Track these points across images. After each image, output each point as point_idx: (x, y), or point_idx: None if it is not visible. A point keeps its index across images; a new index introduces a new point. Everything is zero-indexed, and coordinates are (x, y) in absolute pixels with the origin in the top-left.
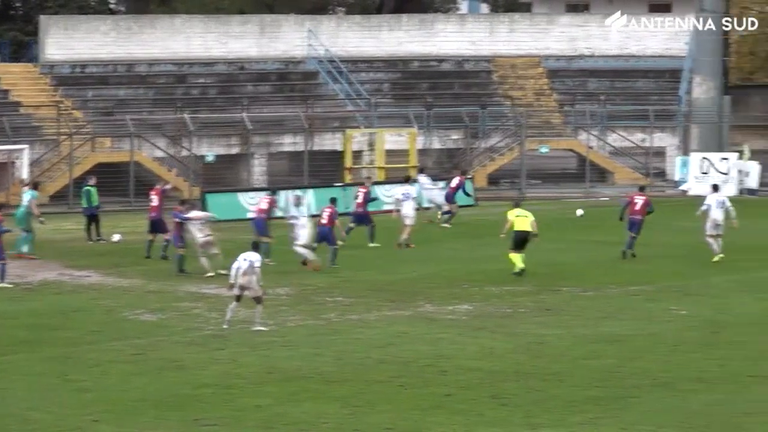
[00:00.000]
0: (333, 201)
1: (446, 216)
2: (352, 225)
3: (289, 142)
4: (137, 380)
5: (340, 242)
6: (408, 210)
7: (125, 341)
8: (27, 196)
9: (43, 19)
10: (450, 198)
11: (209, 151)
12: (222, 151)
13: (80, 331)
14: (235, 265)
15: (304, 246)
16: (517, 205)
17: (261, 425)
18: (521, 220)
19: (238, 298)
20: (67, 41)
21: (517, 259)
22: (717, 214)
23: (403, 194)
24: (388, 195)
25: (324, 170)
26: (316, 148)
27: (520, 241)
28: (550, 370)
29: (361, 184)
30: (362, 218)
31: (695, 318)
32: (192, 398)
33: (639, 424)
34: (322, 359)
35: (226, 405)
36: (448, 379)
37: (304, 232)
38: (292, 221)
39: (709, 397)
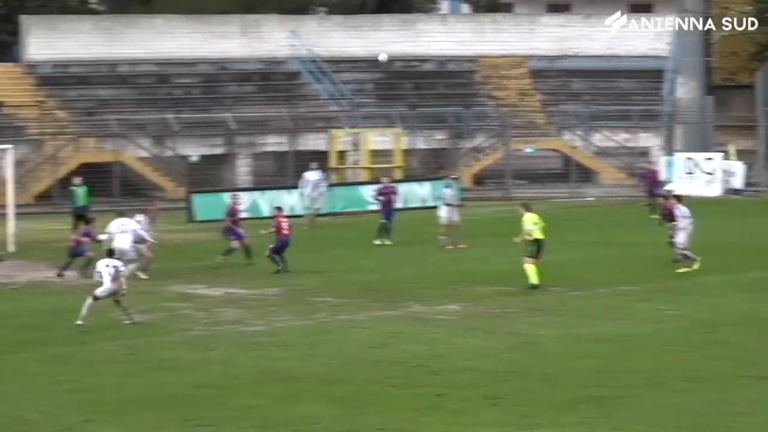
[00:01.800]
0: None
1: None
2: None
3: (273, 142)
4: (130, 380)
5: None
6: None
7: (117, 342)
8: None
9: (24, 19)
10: None
11: (194, 151)
12: (206, 151)
13: (72, 331)
14: (103, 271)
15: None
16: (528, 210)
17: (257, 425)
18: (538, 228)
19: (97, 298)
20: (48, 41)
21: (533, 273)
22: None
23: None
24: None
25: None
26: (300, 148)
27: (538, 249)
28: (543, 370)
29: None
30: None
31: (687, 318)
32: (186, 398)
33: (633, 424)
34: (318, 360)
35: (221, 405)
36: (441, 379)
37: None
38: None
39: (703, 397)
